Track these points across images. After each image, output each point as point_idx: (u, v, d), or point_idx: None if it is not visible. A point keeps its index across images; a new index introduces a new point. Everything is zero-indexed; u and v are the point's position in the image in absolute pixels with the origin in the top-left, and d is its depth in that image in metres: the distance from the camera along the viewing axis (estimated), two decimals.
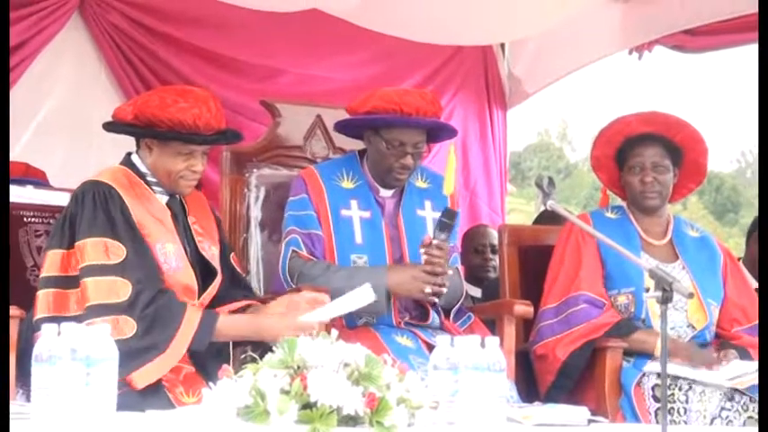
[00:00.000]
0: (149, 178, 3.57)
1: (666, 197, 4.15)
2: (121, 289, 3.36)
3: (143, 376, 3.28)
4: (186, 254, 3.55)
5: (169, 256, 3.49)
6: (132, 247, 3.42)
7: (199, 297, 3.55)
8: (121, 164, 3.61)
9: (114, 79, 5.72)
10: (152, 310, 3.35)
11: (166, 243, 3.50)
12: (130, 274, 3.38)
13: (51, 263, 3.45)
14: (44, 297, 3.42)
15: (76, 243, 3.42)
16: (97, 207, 3.43)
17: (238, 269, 3.79)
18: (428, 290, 3.77)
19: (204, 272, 3.61)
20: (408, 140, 3.87)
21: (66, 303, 3.41)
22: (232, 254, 3.80)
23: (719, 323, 4.12)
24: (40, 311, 3.39)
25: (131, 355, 3.18)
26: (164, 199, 3.59)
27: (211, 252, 3.64)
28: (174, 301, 3.40)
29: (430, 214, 3.98)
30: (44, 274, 3.46)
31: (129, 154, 3.63)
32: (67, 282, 3.43)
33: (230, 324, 3.47)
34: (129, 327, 3.31)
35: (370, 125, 3.92)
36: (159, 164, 3.55)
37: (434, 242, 3.77)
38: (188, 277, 3.53)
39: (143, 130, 3.52)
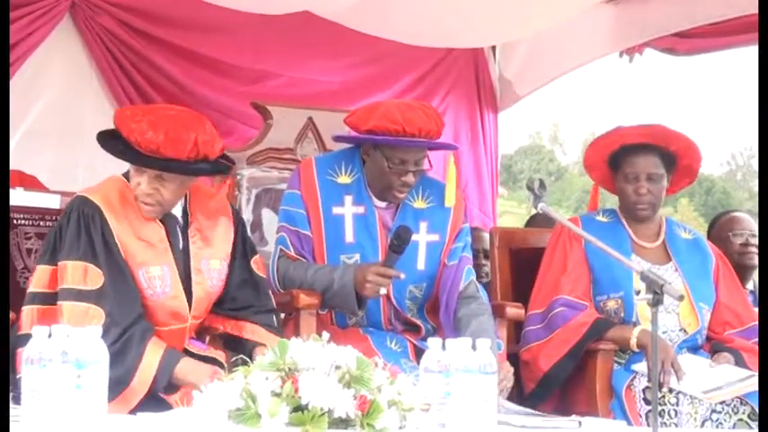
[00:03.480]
0: None
1: (658, 207, 4.15)
2: (95, 317, 3.30)
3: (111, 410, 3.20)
4: (180, 275, 3.47)
5: (154, 281, 3.42)
6: (109, 274, 3.36)
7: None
8: (124, 173, 3.53)
9: (105, 82, 5.71)
10: (118, 346, 3.25)
11: (152, 267, 3.42)
12: (104, 305, 3.32)
13: (39, 279, 3.41)
14: (28, 314, 3.37)
15: (59, 263, 3.39)
16: (80, 228, 3.38)
17: (259, 273, 3.67)
18: (383, 291, 3.74)
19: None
20: (410, 158, 3.79)
21: (55, 319, 3.29)
22: (254, 257, 3.68)
23: (711, 326, 4.11)
24: (24, 328, 3.33)
25: None
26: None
27: (209, 266, 3.54)
28: (136, 342, 3.30)
29: (424, 238, 3.89)
30: (30, 289, 3.42)
31: None
32: (55, 298, 3.37)
33: (188, 371, 3.34)
34: None
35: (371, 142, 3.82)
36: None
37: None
38: (176, 302, 3.46)
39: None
